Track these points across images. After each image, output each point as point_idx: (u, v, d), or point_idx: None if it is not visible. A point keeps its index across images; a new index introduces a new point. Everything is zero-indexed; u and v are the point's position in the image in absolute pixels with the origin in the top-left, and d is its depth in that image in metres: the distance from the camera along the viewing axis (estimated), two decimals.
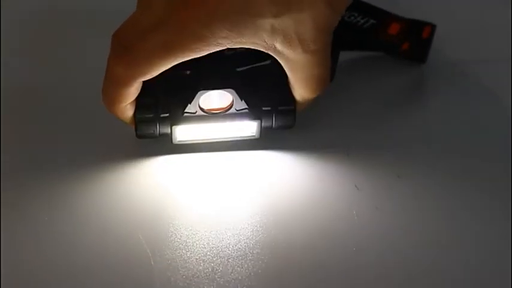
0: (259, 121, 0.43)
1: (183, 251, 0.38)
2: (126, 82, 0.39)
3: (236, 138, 0.44)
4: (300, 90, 0.42)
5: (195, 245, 0.39)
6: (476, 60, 0.52)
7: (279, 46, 0.38)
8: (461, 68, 0.52)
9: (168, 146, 0.44)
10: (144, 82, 0.39)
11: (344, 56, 0.45)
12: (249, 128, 0.43)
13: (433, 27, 0.50)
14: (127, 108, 0.41)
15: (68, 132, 0.46)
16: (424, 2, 0.55)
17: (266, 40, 0.38)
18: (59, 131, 0.46)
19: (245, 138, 0.44)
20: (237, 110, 0.42)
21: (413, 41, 0.50)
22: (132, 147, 0.44)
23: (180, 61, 0.38)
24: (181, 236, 0.39)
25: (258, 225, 0.40)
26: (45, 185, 0.42)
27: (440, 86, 0.51)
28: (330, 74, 0.42)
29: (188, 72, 0.41)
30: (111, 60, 0.39)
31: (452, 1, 0.59)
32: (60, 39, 0.54)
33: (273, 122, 0.43)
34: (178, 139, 0.43)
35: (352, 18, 0.46)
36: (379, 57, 0.51)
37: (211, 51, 0.37)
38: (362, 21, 0.47)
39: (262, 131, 0.43)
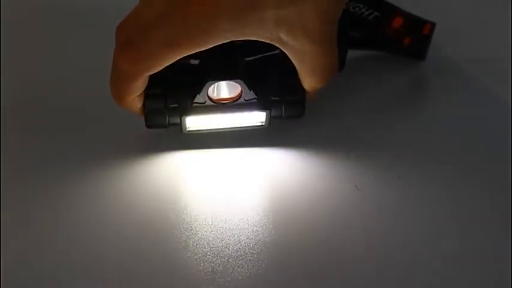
0: (268, 111, 0.43)
1: (183, 251, 0.38)
2: (133, 77, 0.39)
3: (245, 128, 0.44)
4: (308, 80, 0.42)
5: (195, 245, 0.39)
6: (476, 60, 0.52)
7: (283, 37, 0.38)
8: (462, 67, 0.52)
9: (175, 140, 0.44)
10: (152, 74, 0.39)
11: None
12: (258, 117, 0.43)
13: (433, 25, 0.50)
14: (135, 101, 0.41)
15: (68, 130, 0.46)
16: (425, 1, 0.55)
17: (271, 31, 0.38)
18: (61, 130, 0.46)
19: (254, 127, 0.44)
20: (246, 100, 0.42)
21: (414, 37, 0.50)
22: (138, 144, 0.45)
23: (185, 55, 0.38)
24: (181, 236, 0.39)
25: (258, 225, 0.40)
26: (46, 182, 0.42)
27: (440, 85, 0.51)
28: (339, 63, 0.42)
29: (197, 62, 0.41)
30: (117, 55, 0.39)
31: (453, 0, 0.59)
32: (60, 39, 0.54)
33: (282, 112, 0.43)
34: (188, 128, 0.43)
35: (357, 9, 0.47)
36: (380, 56, 0.51)
37: (216, 44, 0.37)
38: (366, 12, 0.47)
39: (272, 120, 0.43)
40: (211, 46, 0.37)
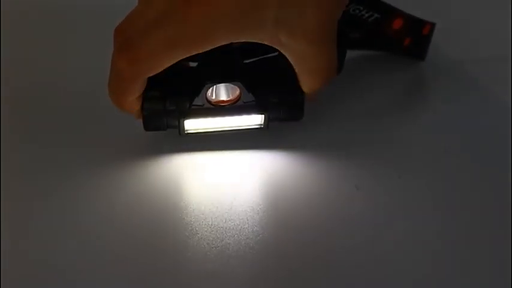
0: (266, 113, 0.43)
1: (183, 251, 0.38)
2: (132, 78, 0.39)
3: (244, 130, 0.44)
4: (307, 82, 0.42)
5: (195, 245, 0.39)
6: (476, 60, 0.52)
7: (283, 39, 0.38)
8: (462, 67, 0.52)
9: (174, 142, 0.44)
10: (151, 75, 0.39)
11: None
12: (256, 119, 0.43)
13: (432, 25, 0.50)
14: (133, 102, 0.41)
15: (67, 132, 0.46)
16: (425, 1, 0.55)
17: (270, 33, 0.38)
18: (60, 131, 0.46)
19: (253, 129, 0.44)
20: (245, 102, 0.42)
21: (414, 37, 0.50)
22: (137, 145, 0.44)
23: (185, 56, 0.38)
24: (181, 236, 0.39)
25: (258, 225, 0.40)
26: (45, 184, 0.42)
27: (440, 85, 0.51)
28: (338, 65, 0.42)
29: (195, 64, 0.41)
30: (115, 56, 0.39)
31: (453, 0, 0.59)
32: (60, 39, 0.54)
33: (281, 114, 0.43)
34: (186, 130, 0.43)
35: (357, 11, 0.47)
36: (379, 56, 0.51)
37: (216, 46, 0.37)
38: (367, 15, 0.47)
39: (271, 123, 0.43)
40: (212, 47, 0.37)
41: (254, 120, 0.43)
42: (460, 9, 0.58)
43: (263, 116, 0.43)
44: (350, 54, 0.45)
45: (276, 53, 0.40)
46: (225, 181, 0.43)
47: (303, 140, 0.45)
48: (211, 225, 0.39)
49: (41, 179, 0.42)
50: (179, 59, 0.38)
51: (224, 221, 0.40)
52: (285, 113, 0.43)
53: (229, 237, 0.39)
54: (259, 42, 0.38)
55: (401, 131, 0.46)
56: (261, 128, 0.43)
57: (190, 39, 0.37)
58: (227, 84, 0.41)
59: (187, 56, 0.38)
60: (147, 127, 0.43)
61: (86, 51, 0.52)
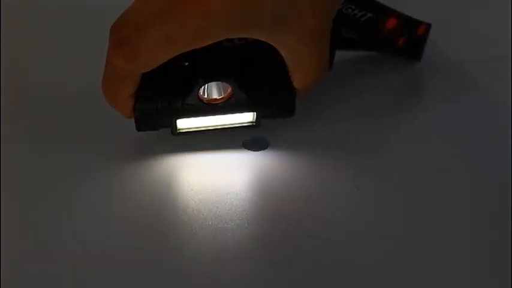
0: (258, 111, 0.43)
1: (183, 251, 0.38)
2: (126, 75, 0.39)
3: (237, 127, 0.44)
4: (299, 79, 0.42)
5: (195, 245, 0.39)
6: (475, 60, 0.52)
7: (279, 35, 0.39)
8: (461, 67, 0.52)
9: (172, 142, 0.44)
10: (143, 74, 0.39)
11: (341, 56, 0.45)
12: (248, 116, 0.43)
13: (428, 25, 0.50)
14: (127, 101, 0.41)
15: (67, 131, 0.46)
16: (423, 1, 0.55)
17: (267, 31, 0.38)
18: (59, 131, 0.46)
19: (245, 127, 0.44)
20: (237, 100, 0.42)
21: (409, 37, 0.50)
22: (136, 145, 0.44)
23: (182, 52, 0.38)
24: (181, 236, 0.39)
25: (258, 226, 0.40)
26: (41, 184, 0.42)
27: (439, 86, 0.51)
28: (329, 62, 0.42)
29: (187, 63, 0.41)
30: (111, 53, 0.38)
31: (452, 0, 0.59)
32: (60, 39, 0.54)
33: (272, 111, 0.43)
34: (178, 129, 0.43)
35: (350, 10, 0.47)
36: (377, 56, 0.51)
37: (213, 42, 0.38)
38: (359, 14, 0.47)
39: (263, 120, 0.43)
40: (208, 43, 0.38)
41: (246, 117, 0.43)
42: (459, 9, 0.58)
43: (255, 113, 0.43)
44: (348, 54, 0.45)
45: (269, 51, 0.40)
46: (225, 181, 0.43)
47: (301, 140, 0.45)
48: (211, 225, 0.40)
49: (41, 179, 0.42)
50: (175, 55, 0.38)
51: (224, 221, 0.40)
52: (276, 109, 0.43)
53: (228, 237, 0.39)
54: (255, 38, 0.39)
55: (400, 131, 0.46)
56: (253, 125, 0.43)
57: (187, 36, 0.37)
58: (219, 82, 0.41)
59: (184, 51, 0.38)
60: (139, 128, 0.42)
61: (86, 51, 0.52)
